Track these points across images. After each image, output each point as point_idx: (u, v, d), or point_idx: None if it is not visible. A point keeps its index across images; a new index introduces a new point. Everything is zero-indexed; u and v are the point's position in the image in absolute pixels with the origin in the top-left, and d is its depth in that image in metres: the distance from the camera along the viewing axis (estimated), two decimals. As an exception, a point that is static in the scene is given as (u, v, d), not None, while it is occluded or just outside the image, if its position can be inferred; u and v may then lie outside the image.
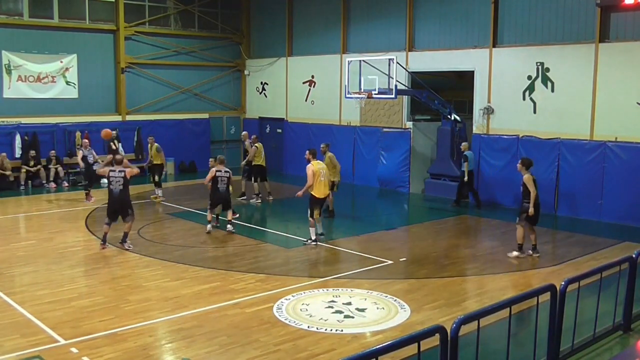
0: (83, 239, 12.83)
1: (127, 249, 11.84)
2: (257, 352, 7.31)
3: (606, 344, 6.73)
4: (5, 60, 19.45)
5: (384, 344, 4.36)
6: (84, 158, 17.06)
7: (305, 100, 22.37)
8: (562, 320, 5.98)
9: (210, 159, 14.71)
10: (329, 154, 14.81)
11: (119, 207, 11.91)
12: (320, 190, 12.44)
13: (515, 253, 11.57)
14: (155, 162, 17.45)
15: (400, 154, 19.08)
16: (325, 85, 21.55)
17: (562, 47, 15.71)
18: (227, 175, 13.47)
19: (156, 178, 17.28)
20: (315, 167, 12.43)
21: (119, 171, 11.82)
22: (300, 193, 12.71)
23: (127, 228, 11.99)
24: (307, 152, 12.83)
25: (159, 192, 17.31)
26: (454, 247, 12.64)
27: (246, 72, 24.72)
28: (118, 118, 21.81)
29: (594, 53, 15.03)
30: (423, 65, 18.70)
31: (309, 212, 12.50)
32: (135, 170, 12.31)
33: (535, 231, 11.71)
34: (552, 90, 15.90)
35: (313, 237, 12.44)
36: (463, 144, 16.67)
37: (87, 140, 17.91)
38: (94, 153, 17.56)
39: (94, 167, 16.78)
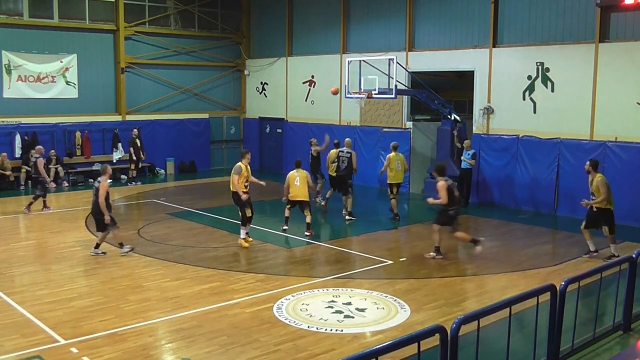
0: (83, 239, 12.82)
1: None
2: (257, 352, 7.31)
3: (606, 344, 6.73)
4: (5, 60, 19.45)
5: (384, 344, 4.37)
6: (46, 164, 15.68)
7: (305, 100, 22.37)
8: (562, 320, 5.99)
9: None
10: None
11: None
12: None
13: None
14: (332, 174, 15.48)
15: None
16: (325, 85, 21.49)
17: (562, 47, 15.71)
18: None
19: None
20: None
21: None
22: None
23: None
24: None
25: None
26: (454, 247, 12.64)
27: (246, 72, 24.71)
28: (118, 118, 21.80)
29: (594, 53, 15.03)
30: (423, 65, 18.70)
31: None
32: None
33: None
34: (552, 90, 15.90)
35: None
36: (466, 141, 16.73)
37: (41, 147, 16.00)
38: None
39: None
